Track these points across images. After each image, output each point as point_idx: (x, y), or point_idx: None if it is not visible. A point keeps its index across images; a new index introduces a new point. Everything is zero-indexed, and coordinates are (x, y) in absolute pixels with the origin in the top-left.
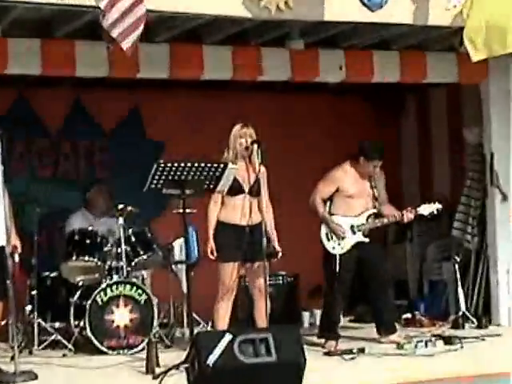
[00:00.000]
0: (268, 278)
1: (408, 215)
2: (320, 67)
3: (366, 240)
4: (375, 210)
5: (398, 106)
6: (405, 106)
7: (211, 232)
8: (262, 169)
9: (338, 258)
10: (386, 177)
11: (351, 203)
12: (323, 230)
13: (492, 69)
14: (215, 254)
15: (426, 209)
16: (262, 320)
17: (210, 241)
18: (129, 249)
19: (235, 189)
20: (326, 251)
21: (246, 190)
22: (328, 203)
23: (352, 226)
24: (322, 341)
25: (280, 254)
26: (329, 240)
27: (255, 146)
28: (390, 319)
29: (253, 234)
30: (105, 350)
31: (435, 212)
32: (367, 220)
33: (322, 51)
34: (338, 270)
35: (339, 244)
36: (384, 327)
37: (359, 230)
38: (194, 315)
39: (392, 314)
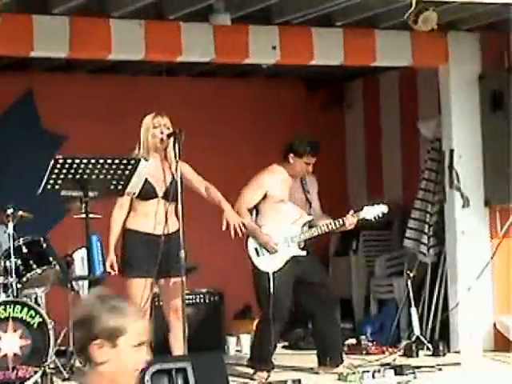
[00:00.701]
0: (186, 297)
1: (349, 220)
2: (250, 47)
3: (303, 253)
4: (310, 218)
5: (339, 94)
6: (348, 93)
7: (113, 241)
8: (184, 166)
9: (271, 277)
10: (318, 179)
11: (282, 210)
12: (251, 244)
13: (453, 50)
14: (116, 268)
15: (369, 211)
16: (178, 347)
17: (110, 252)
18: (19, 262)
19: (147, 192)
20: (257, 269)
21: (160, 194)
22: (254, 213)
23: (285, 238)
24: (251, 371)
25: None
26: (259, 255)
27: (171, 139)
28: (335, 348)
29: (168, 244)
30: None
31: (380, 215)
32: (302, 229)
33: (252, 28)
34: (271, 290)
35: (271, 259)
36: (328, 357)
37: (294, 242)
38: None
39: (338, 341)
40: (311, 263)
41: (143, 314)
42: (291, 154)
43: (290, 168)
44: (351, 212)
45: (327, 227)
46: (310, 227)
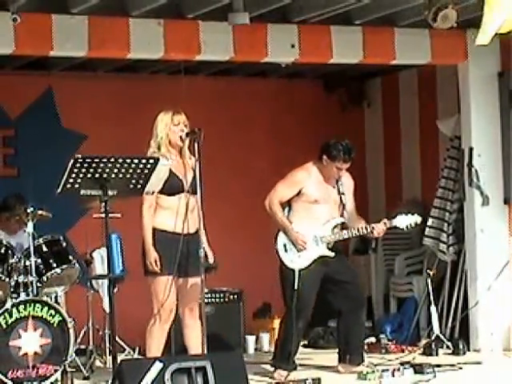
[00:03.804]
0: (205, 296)
1: (379, 229)
2: (268, 45)
3: (331, 254)
4: (343, 220)
5: (359, 93)
6: (368, 92)
7: (150, 241)
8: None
9: (297, 274)
10: (355, 184)
11: (315, 210)
12: (281, 239)
13: (472, 48)
14: (159, 265)
15: (402, 221)
16: (194, 346)
17: (150, 251)
18: (39, 261)
19: (174, 187)
20: (283, 265)
21: (186, 188)
22: (286, 209)
23: (315, 237)
24: (271, 369)
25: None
26: (286, 251)
27: (187, 139)
28: (357, 346)
29: (189, 243)
30: (9, 382)
31: (413, 225)
32: (333, 231)
33: (270, 26)
34: (297, 287)
35: (299, 257)
36: (349, 355)
37: (323, 242)
38: (118, 340)
39: (361, 340)
40: (339, 263)
41: (170, 312)
42: (324, 156)
43: (323, 169)
44: (384, 220)
45: (357, 231)
46: (342, 229)
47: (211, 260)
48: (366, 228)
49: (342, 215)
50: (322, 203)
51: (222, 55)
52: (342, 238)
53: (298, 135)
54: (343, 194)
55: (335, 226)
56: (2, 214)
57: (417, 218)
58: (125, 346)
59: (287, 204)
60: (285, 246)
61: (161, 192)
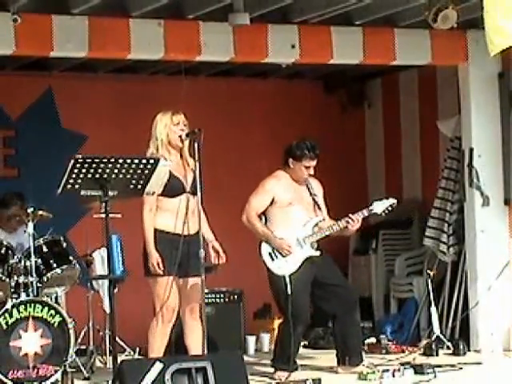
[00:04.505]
0: (205, 296)
1: (357, 216)
2: (269, 46)
3: (317, 253)
4: (320, 218)
5: (360, 93)
6: (369, 92)
7: (152, 243)
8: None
9: (287, 279)
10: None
11: (291, 213)
12: (265, 249)
13: (472, 49)
14: (161, 266)
15: (378, 206)
16: (194, 347)
17: (152, 252)
18: (40, 261)
19: (175, 188)
20: (272, 274)
21: (187, 190)
22: (263, 219)
23: (298, 240)
24: (271, 370)
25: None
26: (273, 260)
27: (187, 140)
28: (355, 348)
29: (189, 244)
30: (9, 383)
31: (389, 208)
32: (313, 230)
33: (271, 27)
34: (290, 293)
35: (286, 262)
36: (348, 357)
37: (306, 243)
38: (118, 340)
39: (358, 341)
40: (326, 264)
41: (172, 312)
42: (290, 159)
43: (291, 172)
44: (363, 210)
45: (338, 226)
46: (320, 228)
47: (222, 258)
48: (342, 221)
49: (317, 215)
50: (296, 205)
51: (223, 56)
52: (323, 235)
53: (299, 136)
54: (315, 195)
55: (315, 225)
56: (2, 212)
57: (392, 201)
58: (125, 347)
59: (262, 214)
60: (270, 254)
61: (162, 194)
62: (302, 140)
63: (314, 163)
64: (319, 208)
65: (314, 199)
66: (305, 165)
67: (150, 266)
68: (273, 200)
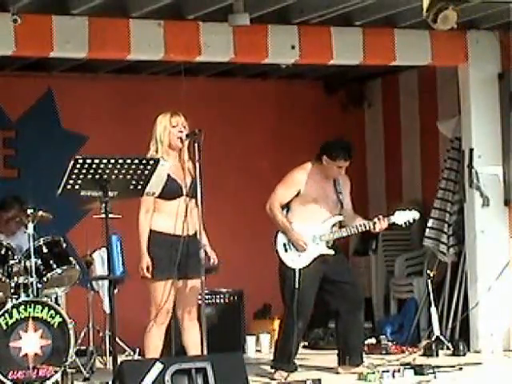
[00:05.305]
0: (205, 297)
1: (379, 224)
2: (269, 47)
3: (331, 252)
4: (341, 218)
5: (360, 94)
6: (369, 93)
7: (145, 245)
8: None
9: (297, 273)
10: (351, 182)
11: (313, 209)
12: (280, 239)
13: (472, 49)
14: (150, 271)
15: (400, 217)
16: (193, 348)
17: (144, 255)
18: (40, 262)
19: (172, 191)
20: (283, 265)
21: (185, 192)
22: (285, 210)
23: (314, 236)
24: (271, 370)
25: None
26: (286, 251)
27: (187, 141)
28: (356, 347)
29: (189, 245)
30: (9, 383)
31: (411, 221)
32: (332, 229)
33: (271, 27)
34: (297, 286)
35: (299, 256)
36: (348, 356)
37: (322, 241)
38: (118, 341)
39: (360, 341)
40: (338, 262)
41: (166, 314)
42: (324, 156)
43: (322, 169)
44: (381, 216)
45: (356, 229)
46: (340, 227)
47: (215, 262)
48: (365, 225)
49: (340, 214)
50: (320, 202)
51: (223, 56)
52: (341, 236)
53: (299, 136)
54: (340, 192)
55: (334, 225)
56: (1, 215)
57: (415, 214)
58: (125, 347)
59: (285, 205)
60: (284, 245)
61: (160, 197)
62: (340, 139)
63: (347, 164)
64: (342, 206)
65: (338, 197)
66: (338, 165)
67: (139, 269)
68: (298, 192)
